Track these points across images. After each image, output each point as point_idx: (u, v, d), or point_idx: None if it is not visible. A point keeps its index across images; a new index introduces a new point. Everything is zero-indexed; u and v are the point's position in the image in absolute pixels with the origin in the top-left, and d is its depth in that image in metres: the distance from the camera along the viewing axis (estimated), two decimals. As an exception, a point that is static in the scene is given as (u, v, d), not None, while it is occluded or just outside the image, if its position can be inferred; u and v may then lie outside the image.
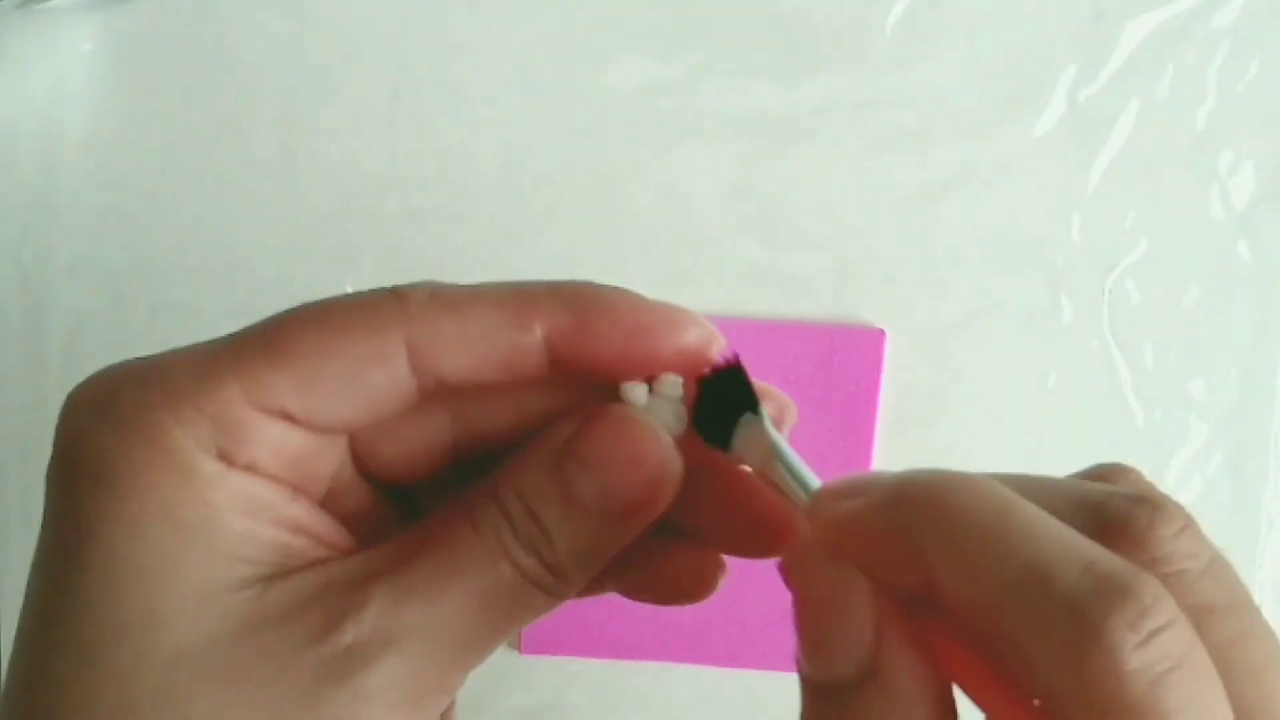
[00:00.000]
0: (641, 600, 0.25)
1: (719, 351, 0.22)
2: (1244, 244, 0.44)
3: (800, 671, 0.19)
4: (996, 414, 0.44)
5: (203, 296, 0.43)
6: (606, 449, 0.21)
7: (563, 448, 0.21)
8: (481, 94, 0.43)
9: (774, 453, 0.21)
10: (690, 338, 0.22)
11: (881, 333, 0.43)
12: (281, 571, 0.21)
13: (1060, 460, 0.45)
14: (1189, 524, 0.18)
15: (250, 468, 0.20)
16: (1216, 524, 0.47)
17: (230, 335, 0.21)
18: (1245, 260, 0.44)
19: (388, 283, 0.22)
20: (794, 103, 0.43)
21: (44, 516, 0.21)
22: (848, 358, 0.43)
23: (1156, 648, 0.16)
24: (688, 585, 0.24)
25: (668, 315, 0.22)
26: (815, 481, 0.21)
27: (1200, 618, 0.17)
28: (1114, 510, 0.18)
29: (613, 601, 0.25)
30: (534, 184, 0.43)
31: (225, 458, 0.20)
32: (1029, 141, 0.43)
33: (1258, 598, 0.45)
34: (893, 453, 0.44)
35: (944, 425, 0.44)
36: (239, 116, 0.43)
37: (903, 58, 0.43)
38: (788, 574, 0.20)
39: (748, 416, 0.22)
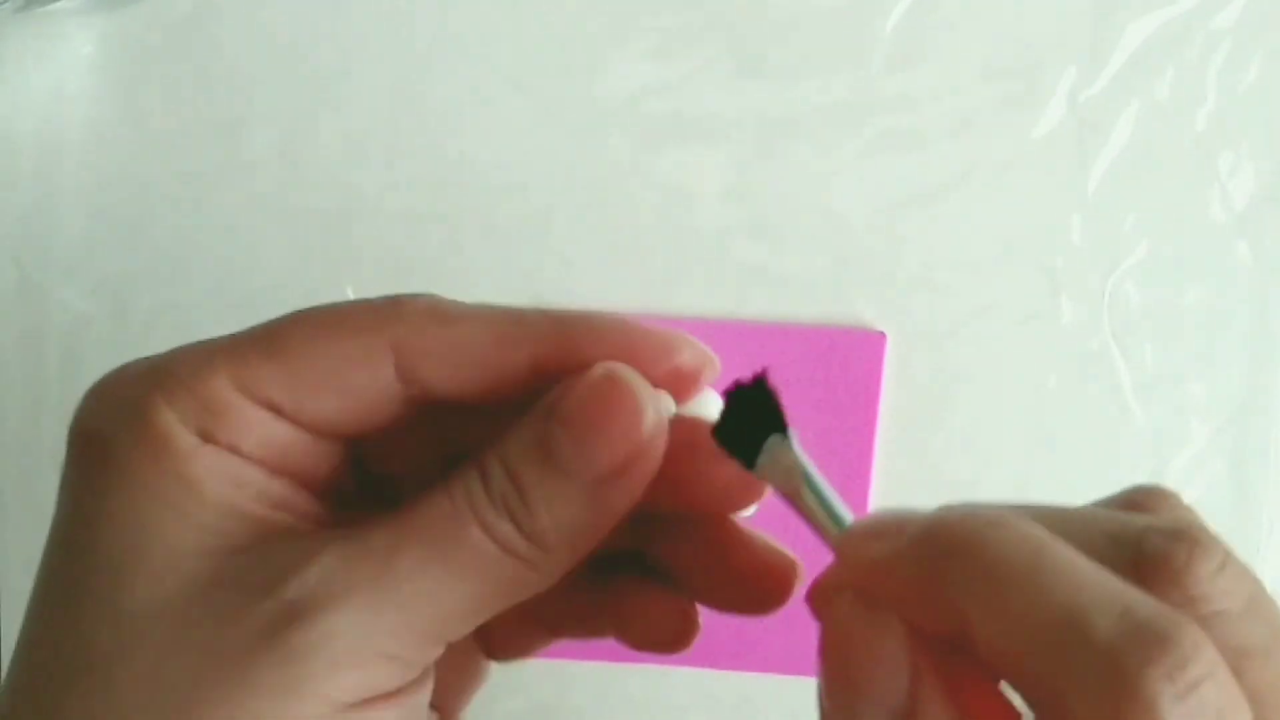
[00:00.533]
0: (622, 642, 0.24)
1: (712, 375, 0.22)
2: (1244, 244, 0.44)
3: (824, 715, 0.19)
4: (997, 416, 0.44)
5: (202, 298, 0.43)
6: (585, 406, 0.21)
7: (545, 409, 0.21)
8: (480, 95, 0.43)
9: (803, 479, 0.21)
10: (681, 360, 0.22)
11: (882, 335, 0.43)
12: (259, 544, 0.21)
13: (1060, 461, 0.45)
14: (1228, 560, 0.18)
15: (232, 449, 0.21)
16: (1217, 526, 0.47)
17: (237, 331, 0.22)
18: (1245, 260, 0.44)
19: (386, 284, 0.22)
20: (793, 104, 0.43)
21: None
22: (848, 360, 0.43)
23: (1196, 701, 0.15)
24: (663, 637, 0.24)
25: (659, 341, 0.22)
26: (844, 511, 0.20)
27: (1239, 660, 0.17)
28: (1152, 547, 0.18)
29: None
30: (533, 185, 0.43)
31: (205, 435, 0.20)
32: (1029, 142, 0.43)
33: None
34: (894, 455, 0.43)
35: (945, 428, 0.44)
36: (238, 118, 0.43)
37: (903, 58, 0.43)
38: (816, 607, 0.20)
39: (776, 437, 0.21)
